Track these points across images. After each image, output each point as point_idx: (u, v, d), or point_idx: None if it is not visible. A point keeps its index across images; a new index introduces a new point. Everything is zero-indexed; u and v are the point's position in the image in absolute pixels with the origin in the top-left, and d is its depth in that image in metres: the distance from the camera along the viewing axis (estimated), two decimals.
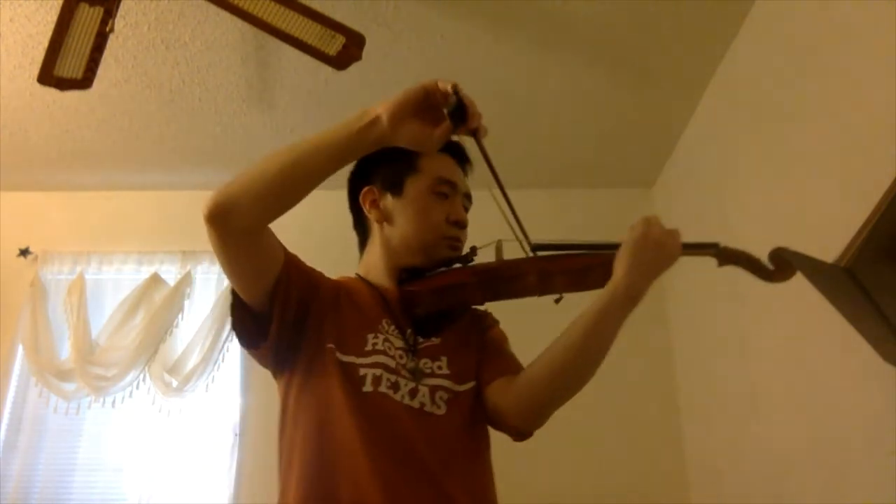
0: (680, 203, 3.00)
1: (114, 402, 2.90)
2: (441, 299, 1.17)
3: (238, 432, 2.88)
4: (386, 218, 1.24)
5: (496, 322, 1.31)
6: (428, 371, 1.14)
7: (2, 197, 3.23)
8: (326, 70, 2.14)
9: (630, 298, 1.02)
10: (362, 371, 1.09)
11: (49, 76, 2.04)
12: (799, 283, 1.25)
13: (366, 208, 1.27)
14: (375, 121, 0.96)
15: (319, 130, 1.01)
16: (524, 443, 1.20)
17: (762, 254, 1.15)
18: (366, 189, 1.27)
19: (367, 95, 2.67)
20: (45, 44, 1.98)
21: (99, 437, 2.89)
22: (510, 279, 1.13)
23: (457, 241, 1.22)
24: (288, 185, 0.99)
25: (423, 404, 1.10)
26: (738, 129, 2.38)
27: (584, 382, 1.08)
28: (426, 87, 0.95)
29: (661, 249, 1.03)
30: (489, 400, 1.16)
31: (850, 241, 1.13)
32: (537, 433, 1.19)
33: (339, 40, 2.01)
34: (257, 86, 2.62)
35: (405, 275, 1.20)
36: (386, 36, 2.35)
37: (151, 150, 3.03)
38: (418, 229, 1.21)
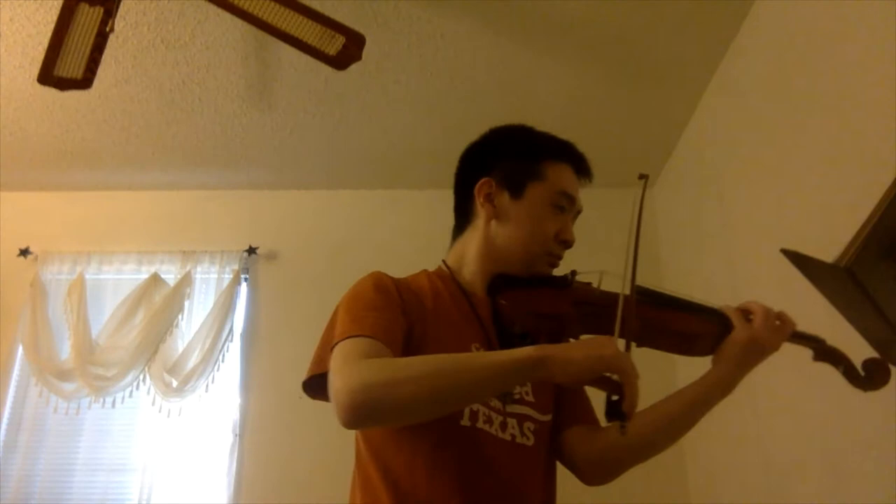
0: (680, 203, 3.00)
1: (114, 402, 2.90)
2: (538, 324, 1.09)
3: (238, 433, 2.88)
4: (498, 215, 1.19)
5: None
6: (517, 397, 1.11)
7: (2, 197, 3.23)
8: (326, 70, 2.14)
9: (729, 392, 1.09)
10: None
11: (49, 76, 2.04)
12: (798, 282, 1.25)
13: (479, 200, 1.20)
14: (550, 377, 0.92)
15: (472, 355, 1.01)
16: None
17: (764, 254, 1.15)
18: (484, 180, 1.20)
19: (368, 95, 2.68)
20: (45, 44, 1.98)
21: (99, 437, 2.90)
22: (613, 319, 1.00)
23: (558, 259, 1.19)
24: (438, 405, 0.95)
25: (513, 436, 1.08)
26: (739, 129, 2.38)
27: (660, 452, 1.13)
28: (608, 368, 0.91)
29: (768, 350, 1.09)
30: (567, 444, 1.17)
31: (850, 241, 1.12)
32: None
33: (339, 40, 2.01)
34: (257, 86, 2.62)
35: (499, 280, 1.15)
36: (386, 36, 2.35)
37: (151, 150, 3.03)
38: (527, 237, 1.17)
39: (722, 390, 1.08)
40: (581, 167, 1.23)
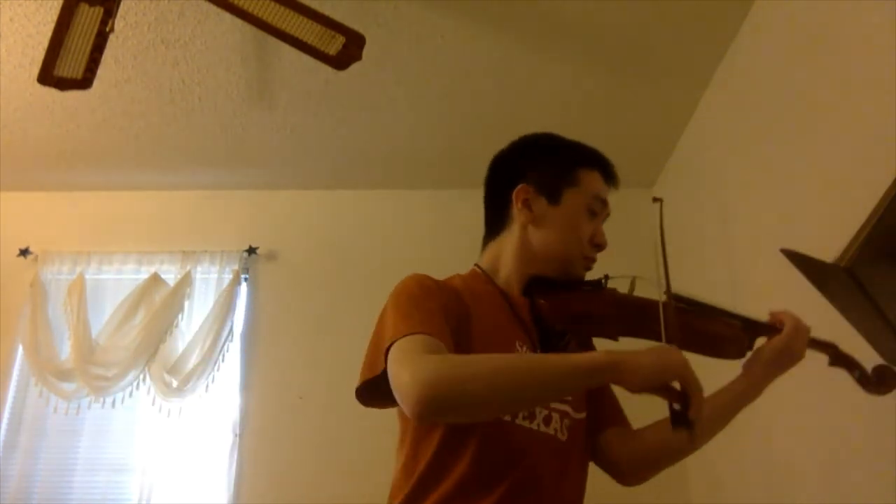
0: (680, 203, 3.00)
1: (114, 402, 2.90)
2: (579, 325, 1.15)
3: (238, 432, 2.88)
4: (535, 220, 1.23)
5: None
6: None
7: (2, 197, 3.23)
8: (326, 70, 2.14)
9: (756, 397, 1.17)
10: None
11: (49, 76, 2.04)
12: (799, 283, 1.25)
13: (517, 205, 1.24)
14: (619, 382, 0.95)
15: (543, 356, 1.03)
16: None
17: (765, 253, 1.15)
18: (521, 186, 1.24)
19: (367, 95, 2.68)
20: (45, 44, 1.98)
21: (99, 437, 2.90)
22: (652, 320, 1.05)
23: (592, 262, 1.24)
24: (506, 404, 1.00)
25: (556, 430, 1.11)
26: (739, 129, 2.38)
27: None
28: (675, 377, 0.93)
29: (796, 358, 1.17)
30: (605, 445, 1.23)
31: (850, 241, 1.12)
32: None
33: (339, 40, 2.01)
34: (257, 86, 2.62)
35: (535, 282, 1.19)
36: (386, 36, 2.35)
37: (151, 150, 3.03)
38: (564, 242, 1.21)
39: (750, 396, 1.15)
40: (609, 173, 1.29)
